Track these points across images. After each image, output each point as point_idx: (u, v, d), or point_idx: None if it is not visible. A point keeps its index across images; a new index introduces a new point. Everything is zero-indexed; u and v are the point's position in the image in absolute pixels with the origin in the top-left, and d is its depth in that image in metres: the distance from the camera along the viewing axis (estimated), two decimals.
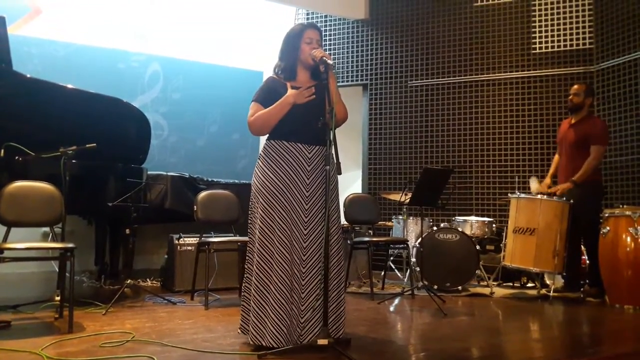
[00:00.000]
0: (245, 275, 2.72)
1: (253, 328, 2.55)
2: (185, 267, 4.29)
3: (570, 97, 4.49)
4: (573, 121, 4.49)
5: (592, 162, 4.27)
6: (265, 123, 2.67)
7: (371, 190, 6.28)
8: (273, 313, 2.51)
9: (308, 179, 2.66)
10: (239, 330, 2.72)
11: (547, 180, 4.70)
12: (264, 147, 2.73)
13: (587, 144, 4.32)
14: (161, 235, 5.03)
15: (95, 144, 3.53)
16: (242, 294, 2.73)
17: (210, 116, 6.45)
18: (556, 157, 4.75)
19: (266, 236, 2.59)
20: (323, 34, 6.94)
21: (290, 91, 2.65)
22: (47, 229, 4.28)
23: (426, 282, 4.33)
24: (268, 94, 2.72)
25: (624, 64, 5.27)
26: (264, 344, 2.50)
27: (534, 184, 4.66)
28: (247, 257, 2.73)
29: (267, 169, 2.65)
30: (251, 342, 2.55)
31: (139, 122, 4.46)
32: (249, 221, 2.74)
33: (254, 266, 2.61)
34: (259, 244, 2.60)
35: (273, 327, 2.50)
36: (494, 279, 4.98)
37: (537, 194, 4.44)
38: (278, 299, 2.52)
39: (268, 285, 2.55)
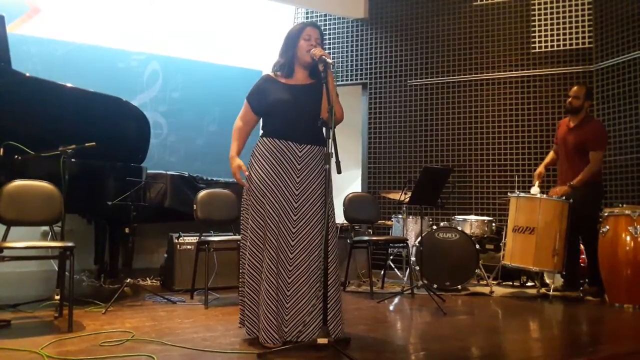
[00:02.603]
0: (240, 271, 2.75)
1: (248, 322, 2.62)
2: (185, 266, 4.28)
3: (570, 99, 4.46)
4: (572, 124, 4.48)
5: (592, 169, 4.28)
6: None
7: (371, 189, 6.28)
8: (263, 310, 2.54)
9: (298, 177, 2.67)
10: (239, 325, 2.75)
11: (540, 168, 4.69)
12: (256, 144, 2.75)
13: (587, 149, 4.33)
14: (161, 234, 5.02)
15: (94, 143, 3.52)
16: (240, 289, 2.76)
17: (209, 115, 6.44)
18: (551, 153, 4.76)
19: (256, 234, 2.62)
20: (322, 33, 6.91)
21: (235, 165, 2.74)
22: (46, 228, 4.29)
23: (426, 281, 4.32)
24: (258, 94, 2.78)
25: (623, 64, 5.27)
26: (259, 339, 2.55)
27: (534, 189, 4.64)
28: (240, 253, 2.77)
29: (258, 167, 2.67)
30: (249, 335, 2.60)
31: (139, 121, 4.45)
32: (242, 218, 2.77)
33: (246, 263, 2.65)
34: (250, 242, 2.63)
35: (266, 324, 2.52)
36: (493, 278, 4.98)
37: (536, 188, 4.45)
38: (264, 297, 2.54)
39: (260, 282, 2.58)
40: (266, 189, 2.62)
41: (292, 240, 2.62)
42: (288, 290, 2.59)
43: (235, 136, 2.83)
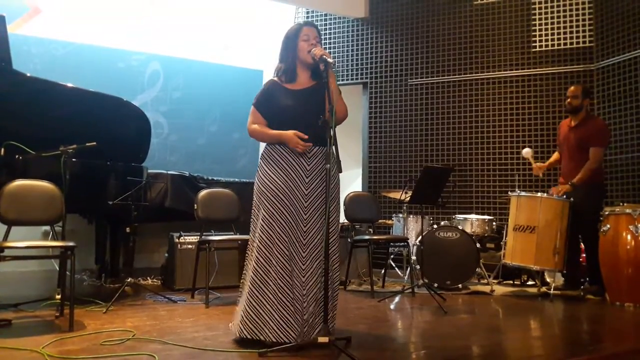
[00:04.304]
0: (251, 274, 2.69)
1: (249, 322, 2.56)
2: (185, 266, 4.29)
3: (569, 100, 4.45)
4: (573, 123, 4.47)
5: (592, 165, 4.27)
6: (258, 139, 2.92)
7: (371, 188, 6.28)
8: (273, 309, 2.53)
9: (307, 178, 2.69)
10: (242, 333, 2.62)
11: (544, 164, 4.71)
12: (266, 148, 2.77)
13: (588, 146, 4.32)
14: (161, 234, 5.03)
15: (95, 143, 3.53)
16: (241, 292, 2.72)
17: (210, 115, 6.44)
18: (555, 154, 4.76)
19: (266, 234, 2.61)
20: (323, 32, 6.94)
21: (291, 135, 2.63)
22: (47, 227, 4.29)
23: (426, 280, 4.33)
24: (266, 99, 2.76)
25: (624, 62, 5.27)
26: (261, 338, 2.53)
27: (527, 151, 4.66)
28: (248, 255, 2.73)
29: (270, 171, 2.69)
30: (248, 336, 2.55)
31: (139, 121, 4.46)
32: (251, 221, 2.75)
33: (252, 262, 2.63)
34: (258, 241, 2.62)
35: (273, 323, 2.52)
36: (494, 277, 4.98)
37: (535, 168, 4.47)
38: (278, 295, 2.54)
39: (267, 281, 2.56)
40: (280, 192, 2.63)
41: (304, 239, 2.64)
42: (304, 289, 2.60)
43: (260, 130, 2.74)
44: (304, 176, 2.69)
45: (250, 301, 2.58)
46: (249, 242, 2.75)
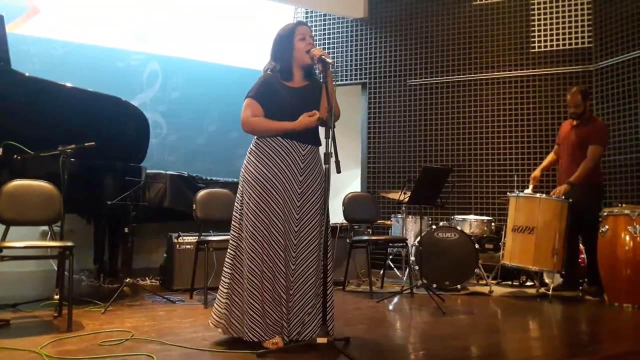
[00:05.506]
0: (230, 273, 2.64)
1: (250, 324, 2.51)
2: (184, 266, 4.28)
3: (572, 109, 4.44)
4: (575, 122, 4.49)
5: (589, 163, 4.27)
6: (262, 132, 2.67)
7: (370, 189, 6.28)
8: (268, 310, 2.53)
9: (301, 176, 2.67)
10: (215, 325, 2.64)
11: (537, 172, 4.72)
12: (257, 142, 2.70)
13: (587, 145, 4.32)
14: (160, 234, 5.02)
15: (93, 142, 3.52)
16: (225, 290, 2.63)
17: (209, 115, 6.44)
18: (551, 154, 4.77)
19: (260, 233, 2.56)
20: (322, 32, 6.94)
21: (301, 118, 2.62)
22: (46, 227, 4.27)
23: (425, 281, 4.33)
24: (265, 90, 2.70)
25: (623, 63, 5.28)
26: (245, 338, 2.51)
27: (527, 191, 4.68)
28: (231, 253, 2.65)
29: (260, 164, 2.64)
30: (251, 340, 2.51)
31: (138, 121, 4.45)
32: (234, 215, 2.69)
33: (245, 264, 2.56)
34: (252, 240, 2.56)
35: (273, 323, 2.52)
36: (492, 278, 4.98)
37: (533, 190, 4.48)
38: (269, 297, 2.53)
39: (262, 282, 2.53)
40: (272, 187, 2.60)
41: (295, 239, 2.62)
42: (291, 290, 2.58)
43: (264, 120, 2.66)
44: (298, 174, 2.66)
45: (251, 304, 2.52)
46: (232, 239, 2.65)
